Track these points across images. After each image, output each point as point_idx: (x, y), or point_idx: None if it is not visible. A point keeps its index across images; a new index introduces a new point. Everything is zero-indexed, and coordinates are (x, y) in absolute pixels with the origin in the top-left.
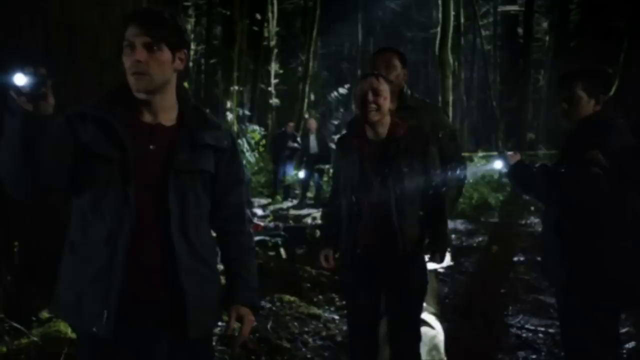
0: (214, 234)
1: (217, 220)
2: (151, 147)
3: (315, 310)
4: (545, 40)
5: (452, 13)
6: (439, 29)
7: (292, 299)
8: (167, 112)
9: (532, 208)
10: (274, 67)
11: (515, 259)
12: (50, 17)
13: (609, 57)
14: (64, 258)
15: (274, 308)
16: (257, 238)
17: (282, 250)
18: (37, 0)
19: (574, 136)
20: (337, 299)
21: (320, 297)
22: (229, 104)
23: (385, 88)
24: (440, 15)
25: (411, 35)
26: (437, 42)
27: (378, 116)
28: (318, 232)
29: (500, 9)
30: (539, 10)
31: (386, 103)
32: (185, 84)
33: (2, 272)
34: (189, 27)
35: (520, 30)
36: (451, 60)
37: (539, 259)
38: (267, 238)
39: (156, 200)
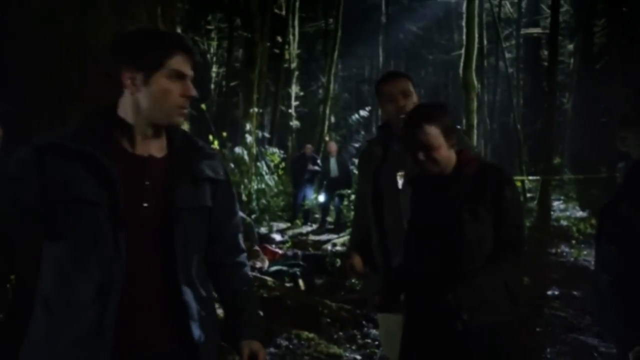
0: None
1: (213, 255)
2: (146, 183)
3: (335, 349)
4: (570, 63)
5: (476, 35)
6: (462, 51)
7: (310, 335)
8: (158, 142)
9: (576, 239)
10: (294, 89)
11: (549, 292)
12: (62, 37)
13: (635, 79)
14: (34, 318)
15: (290, 346)
16: (274, 268)
17: (300, 282)
18: (49, 20)
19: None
20: (359, 337)
21: (341, 333)
22: (248, 126)
23: (434, 135)
24: (464, 37)
25: (432, 57)
26: (461, 64)
27: (439, 168)
28: (339, 261)
29: (523, 31)
30: (562, 33)
31: (442, 150)
32: (203, 106)
33: None
34: (211, 50)
35: (542, 53)
36: (476, 83)
37: (575, 293)
38: (284, 268)
39: (155, 244)
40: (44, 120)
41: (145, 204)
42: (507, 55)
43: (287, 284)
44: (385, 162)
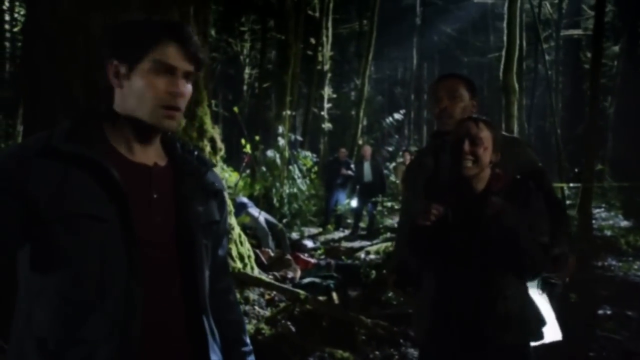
0: None
1: None
2: (154, 195)
3: None
4: (612, 65)
5: (519, 36)
6: (503, 53)
7: (345, 354)
8: (158, 149)
9: (625, 252)
10: (327, 91)
11: (600, 311)
12: (92, 40)
13: None
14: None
15: None
16: (306, 280)
17: (334, 295)
18: (78, 23)
19: None
20: (396, 356)
21: (377, 353)
22: (281, 129)
23: (486, 135)
24: (504, 39)
25: (467, 60)
26: (502, 66)
27: (475, 170)
28: (374, 273)
29: (563, 33)
30: (605, 34)
31: (487, 154)
32: (235, 109)
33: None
34: (244, 51)
35: (582, 55)
36: (516, 86)
37: (629, 313)
38: (317, 281)
39: (170, 267)
40: None
41: (157, 220)
42: (546, 57)
43: (320, 297)
44: (437, 174)
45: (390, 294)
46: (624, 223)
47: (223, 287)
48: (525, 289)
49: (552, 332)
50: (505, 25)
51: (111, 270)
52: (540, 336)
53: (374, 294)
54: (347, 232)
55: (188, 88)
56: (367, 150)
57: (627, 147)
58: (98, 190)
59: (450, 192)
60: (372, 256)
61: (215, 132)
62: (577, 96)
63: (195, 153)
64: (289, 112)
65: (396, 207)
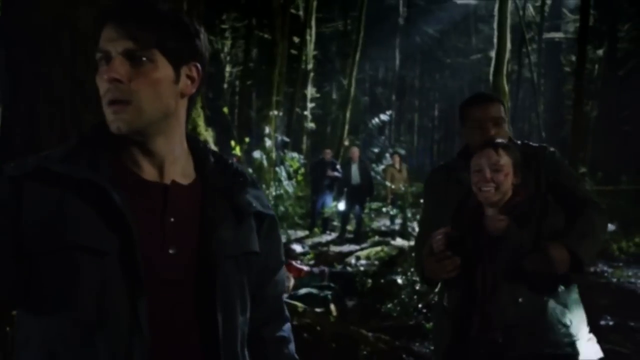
0: None
1: (249, 322)
2: (171, 219)
3: None
4: (592, 69)
5: (508, 38)
6: (492, 54)
7: None
8: (179, 164)
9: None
10: (310, 90)
11: (602, 322)
12: (77, 36)
13: None
14: None
15: None
16: (303, 291)
17: (332, 307)
18: (62, 17)
19: None
20: None
21: None
22: (267, 130)
23: (506, 162)
24: (495, 41)
25: (450, 61)
26: (492, 69)
27: (497, 197)
28: (370, 282)
29: (545, 36)
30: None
31: (508, 180)
32: (225, 109)
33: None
34: (225, 49)
35: (563, 58)
36: (506, 88)
37: (632, 324)
38: (314, 291)
39: (186, 309)
40: (56, 127)
41: (172, 251)
42: (531, 59)
43: (318, 309)
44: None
45: (389, 305)
46: (609, 226)
47: (275, 337)
48: (547, 298)
49: (592, 351)
50: (495, 26)
51: (110, 315)
52: (559, 347)
53: (372, 304)
54: (334, 235)
55: (135, 70)
56: (355, 152)
57: (606, 150)
58: (97, 218)
59: (475, 210)
60: (362, 261)
61: (209, 134)
62: (557, 99)
63: (234, 167)
64: (275, 113)
65: (391, 212)
